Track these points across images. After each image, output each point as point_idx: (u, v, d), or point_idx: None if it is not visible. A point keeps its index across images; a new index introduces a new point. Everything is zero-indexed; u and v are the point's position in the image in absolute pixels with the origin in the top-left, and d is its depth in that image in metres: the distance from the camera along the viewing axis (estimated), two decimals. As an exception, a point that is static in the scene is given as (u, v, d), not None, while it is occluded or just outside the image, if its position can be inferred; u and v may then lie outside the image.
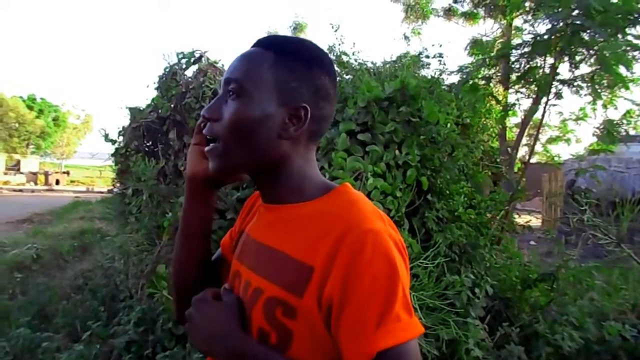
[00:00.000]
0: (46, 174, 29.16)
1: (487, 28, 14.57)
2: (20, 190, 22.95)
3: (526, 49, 3.25)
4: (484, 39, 10.53)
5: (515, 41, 6.61)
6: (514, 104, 4.59)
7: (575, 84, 3.32)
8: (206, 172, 0.82)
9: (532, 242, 7.44)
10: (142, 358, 2.72)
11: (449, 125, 2.89)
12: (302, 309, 0.67)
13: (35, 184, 27.64)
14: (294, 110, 0.73)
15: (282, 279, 0.70)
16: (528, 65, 3.40)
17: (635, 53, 3.49)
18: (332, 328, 0.65)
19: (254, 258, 0.78)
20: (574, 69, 3.18)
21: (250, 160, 0.76)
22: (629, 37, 3.27)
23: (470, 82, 3.35)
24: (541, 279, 2.93)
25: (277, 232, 0.76)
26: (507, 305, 2.86)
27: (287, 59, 0.75)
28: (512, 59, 3.80)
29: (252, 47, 0.79)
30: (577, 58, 3.11)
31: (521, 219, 4.62)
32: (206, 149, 0.79)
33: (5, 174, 28.54)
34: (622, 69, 3.13)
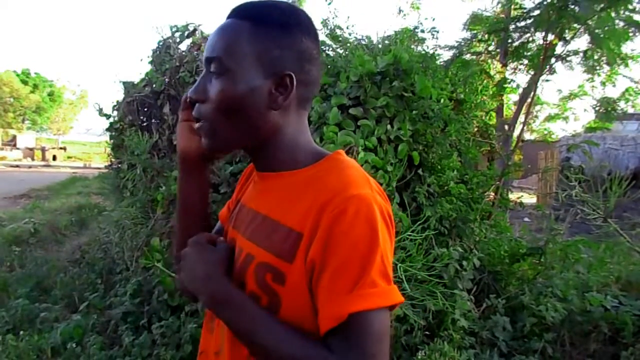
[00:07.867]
0: (43, 150, 29.01)
1: (488, 3, 14.29)
2: (17, 166, 22.91)
3: (519, 24, 3.21)
4: (484, 14, 10.33)
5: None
6: (507, 80, 4.56)
7: (568, 59, 3.29)
8: (198, 148, 0.82)
9: (525, 219, 7.51)
10: (138, 328, 2.78)
11: (442, 100, 2.89)
12: (291, 275, 0.68)
13: (32, 159, 27.56)
14: (279, 79, 0.72)
15: (273, 245, 0.71)
16: (521, 40, 3.36)
17: (633, 29, 3.46)
18: (312, 292, 0.66)
19: (247, 225, 0.79)
20: (565, 44, 3.14)
21: (243, 136, 0.75)
22: (627, 13, 3.22)
23: (463, 58, 3.32)
24: (529, 253, 2.99)
25: (270, 199, 0.77)
26: (496, 279, 2.92)
27: (265, 27, 0.73)
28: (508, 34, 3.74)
29: (227, 18, 0.77)
30: (568, 33, 3.06)
31: (514, 195, 4.66)
32: (196, 126, 0.79)
33: (2, 149, 28.44)
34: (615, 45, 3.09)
